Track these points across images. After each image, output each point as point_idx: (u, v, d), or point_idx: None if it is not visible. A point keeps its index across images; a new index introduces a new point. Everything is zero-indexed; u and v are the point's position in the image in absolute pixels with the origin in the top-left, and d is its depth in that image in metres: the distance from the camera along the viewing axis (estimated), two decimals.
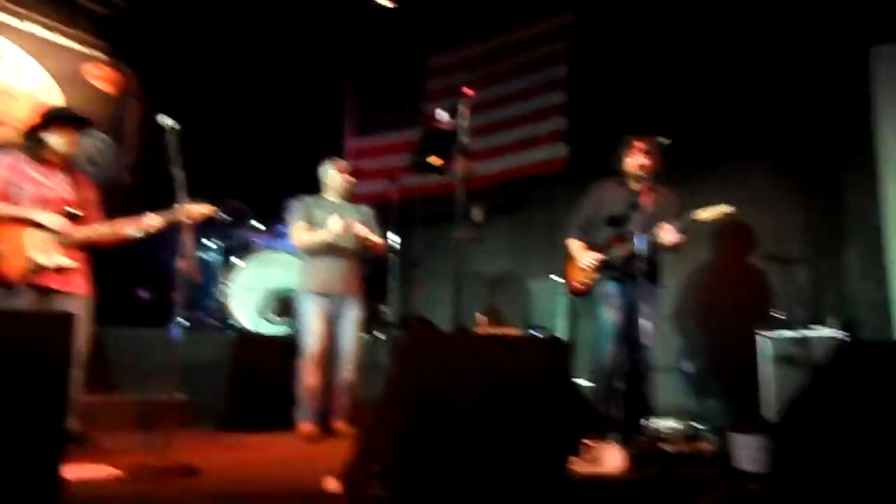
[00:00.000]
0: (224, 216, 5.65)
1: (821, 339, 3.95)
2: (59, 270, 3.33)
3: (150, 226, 3.48)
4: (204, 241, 5.76)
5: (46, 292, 3.31)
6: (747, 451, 3.09)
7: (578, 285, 4.08)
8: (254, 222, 5.85)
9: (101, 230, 3.48)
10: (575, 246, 4.10)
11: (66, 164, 3.53)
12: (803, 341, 3.95)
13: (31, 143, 3.44)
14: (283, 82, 7.06)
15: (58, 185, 3.44)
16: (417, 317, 5.48)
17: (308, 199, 4.31)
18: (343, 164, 4.48)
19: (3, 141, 5.13)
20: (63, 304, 3.33)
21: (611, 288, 3.92)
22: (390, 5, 6.20)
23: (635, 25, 5.75)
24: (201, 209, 3.47)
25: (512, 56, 6.56)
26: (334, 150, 7.48)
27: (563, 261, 4.22)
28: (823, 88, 4.90)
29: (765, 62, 5.15)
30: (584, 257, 4.01)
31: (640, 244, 3.58)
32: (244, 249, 5.58)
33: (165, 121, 3.20)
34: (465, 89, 3.40)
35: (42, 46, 5.91)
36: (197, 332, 5.25)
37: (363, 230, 4.15)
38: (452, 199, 3.30)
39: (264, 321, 5.14)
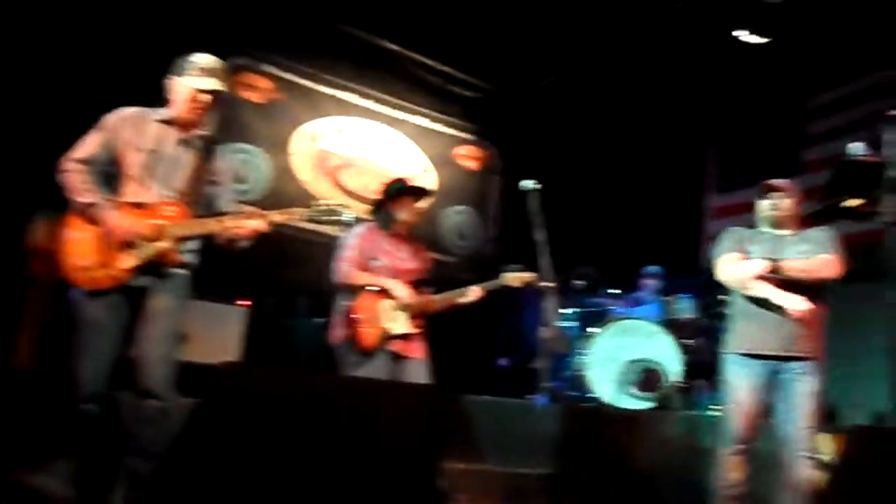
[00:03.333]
0: (577, 283, 5.51)
1: None
2: (406, 337, 3.46)
3: (475, 296, 3.58)
4: (560, 310, 5.65)
5: (396, 358, 3.45)
6: None
7: None
8: (610, 290, 5.59)
9: (438, 300, 3.58)
10: None
11: (409, 235, 3.65)
12: None
13: (381, 215, 3.61)
14: (637, 141, 6.76)
15: (405, 255, 3.59)
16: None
17: (738, 231, 3.38)
18: (782, 185, 3.27)
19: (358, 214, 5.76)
20: (410, 368, 3.46)
21: None
22: (762, 41, 5.47)
23: None
24: (523, 277, 3.62)
25: None
26: (694, 212, 6.95)
27: None
28: None
29: None
30: None
31: None
32: (601, 318, 5.31)
33: (527, 184, 3.11)
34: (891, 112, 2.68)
35: (421, 134, 6.61)
36: (555, 404, 5.09)
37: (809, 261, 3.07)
38: (876, 249, 2.56)
39: (625, 395, 4.75)
